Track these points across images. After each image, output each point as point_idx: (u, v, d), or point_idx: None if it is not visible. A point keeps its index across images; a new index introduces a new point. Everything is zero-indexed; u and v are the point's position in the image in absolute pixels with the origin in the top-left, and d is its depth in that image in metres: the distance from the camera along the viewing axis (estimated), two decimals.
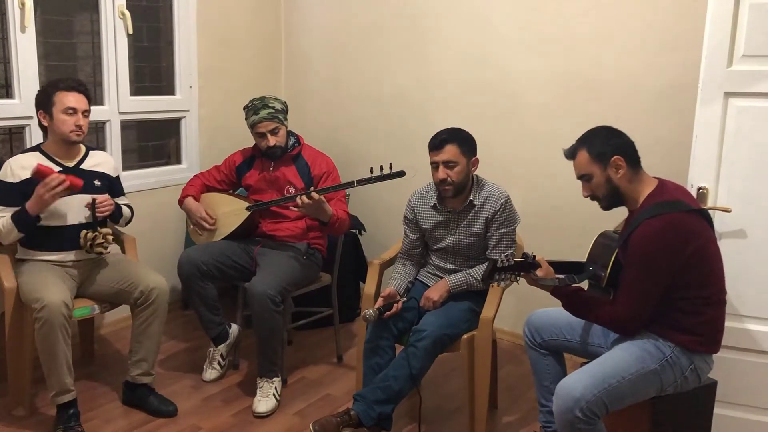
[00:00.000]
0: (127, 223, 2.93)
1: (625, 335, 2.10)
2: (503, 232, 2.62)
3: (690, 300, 2.00)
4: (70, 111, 2.60)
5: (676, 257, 1.95)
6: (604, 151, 2.08)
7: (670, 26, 2.88)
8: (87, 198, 2.68)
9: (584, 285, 2.23)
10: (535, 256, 2.16)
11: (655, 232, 1.95)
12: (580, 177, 2.15)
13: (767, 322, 2.34)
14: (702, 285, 2.00)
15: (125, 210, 2.88)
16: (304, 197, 2.71)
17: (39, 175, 2.49)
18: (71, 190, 2.55)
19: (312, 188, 2.77)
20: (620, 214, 2.45)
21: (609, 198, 2.12)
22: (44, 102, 2.62)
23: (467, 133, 2.62)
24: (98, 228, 2.67)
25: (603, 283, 2.12)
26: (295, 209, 2.78)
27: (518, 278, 2.18)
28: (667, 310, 2.02)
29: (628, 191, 2.09)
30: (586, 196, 2.16)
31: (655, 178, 2.12)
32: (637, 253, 1.98)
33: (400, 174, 2.68)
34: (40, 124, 2.68)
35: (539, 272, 2.15)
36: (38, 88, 2.77)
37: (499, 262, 2.11)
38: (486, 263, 2.22)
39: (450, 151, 2.54)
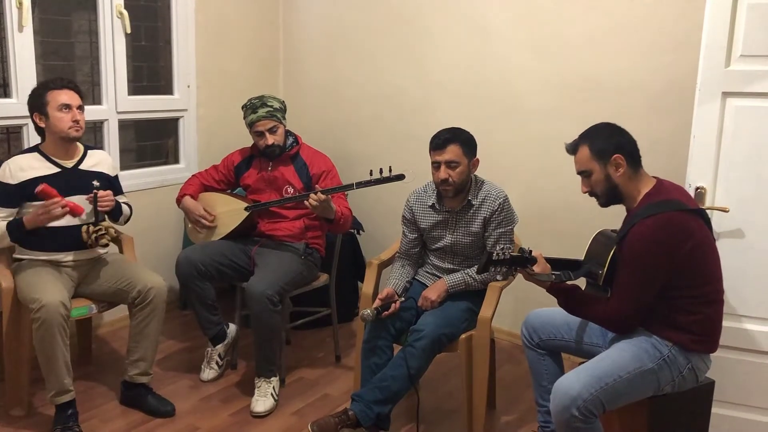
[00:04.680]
0: (126, 221, 2.93)
1: (619, 333, 2.11)
2: (501, 231, 2.62)
3: (687, 299, 2.00)
4: (65, 108, 2.59)
5: (670, 257, 1.95)
6: (605, 148, 2.08)
7: (668, 27, 2.89)
8: (86, 199, 2.67)
9: (582, 283, 2.23)
10: (531, 251, 2.17)
11: (649, 232, 1.95)
12: (580, 173, 2.15)
13: (765, 322, 2.34)
14: (698, 284, 2.00)
15: (124, 208, 2.88)
16: (312, 196, 2.71)
17: (43, 195, 2.49)
18: (72, 215, 2.55)
19: (317, 189, 2.78)
20: (618, 214, 2.45)
21: (607, 195, 2.13)
22: (37, 104, 2.61)
23: (469, 133, 2.62)
24: (99, 222, 2.67)
25: (600, 281, 2.12)
26: (309, 206, 2.78)
27: (514, 273, 2.18)
28: (664, 309, 2.02)
29: (627, 190, 2.09)
30: (585, 192, 2.16)
31: (654, 177, 2.12)
32: (631, 252, 1.98)
33: (400, 177, 2.67)
34: (37, 128, 2.67)
35: (536, 268, 2.16)
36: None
37: (494, 254, 2.12)
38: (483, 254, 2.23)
39: (452, 151, 2.54)
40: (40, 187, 2.49)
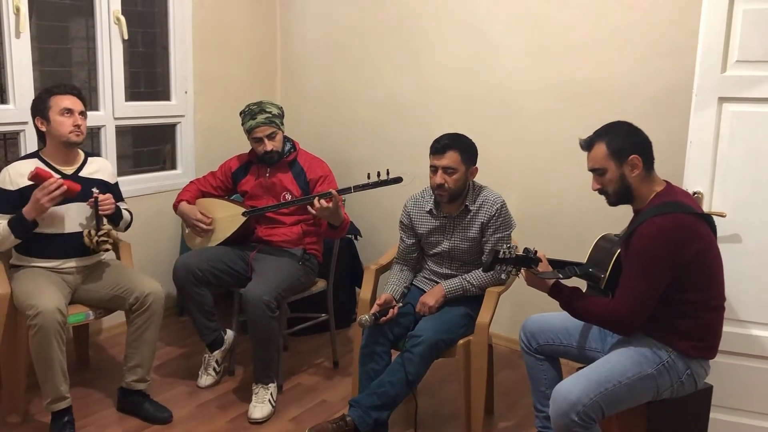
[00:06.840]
0: (127, 227, 2.92)
1: (623, 334, 2.10)
2: (499, 237, 2.62)
3: (688, 304, 2.00)
4: (67, 112, 2.61)
5: (678, 257, 1.94)
6: (623, 147, 2.06)
7: (664, 32, 2.90)
8: (85, 205, 2.67)
9: (583, 285, 2.23)
10: (536, 251, 2.17)
11: (658, 230, 1.95)
12: (592, 170, 2.13)
13: (762, 327, 2.35)
14: (701, 289, 2.00)
15: (125, 213, 2.87)
16: (323, 200, 2.71)
17: (37, 178, 2.49)
18: (68, 195, 2.54)
19: (331, 191, 2.76)
20: (616, 218, 2.46)
21: (619, 194, 2.11)
22: (40, 107, 2.63)
23: (470, 140, 2.62)
24: (101, 226, 2.67)
25: (602, 285, 2.12)
26: (312, 210, 2.76)
27: (518, 272, 2.18)
28: (666, 314, 2.02)
29: (639, 191, 2.08)
30: (595, 190, 2.14)
31: (664, 180, 2.12)
32: (640, 250, 1.97)
33: (398, 180, 2.68)
34: (38, 132, 2.68)
35: (540, 268, 2.16)
36: (33, 94, 2.79)
37: (501, 253, 2.12)
38: (488, 252, 2.23)
39: (451, 157, 2.54)
40: (33, 171, 2.50)
